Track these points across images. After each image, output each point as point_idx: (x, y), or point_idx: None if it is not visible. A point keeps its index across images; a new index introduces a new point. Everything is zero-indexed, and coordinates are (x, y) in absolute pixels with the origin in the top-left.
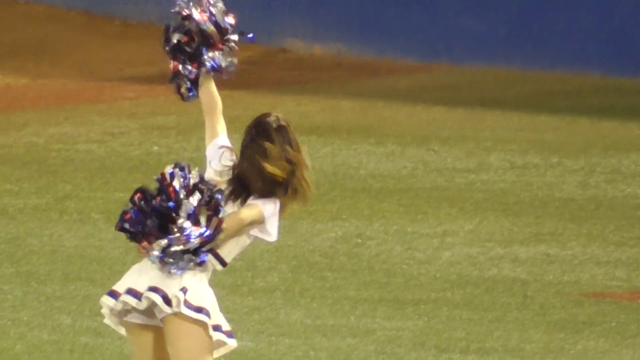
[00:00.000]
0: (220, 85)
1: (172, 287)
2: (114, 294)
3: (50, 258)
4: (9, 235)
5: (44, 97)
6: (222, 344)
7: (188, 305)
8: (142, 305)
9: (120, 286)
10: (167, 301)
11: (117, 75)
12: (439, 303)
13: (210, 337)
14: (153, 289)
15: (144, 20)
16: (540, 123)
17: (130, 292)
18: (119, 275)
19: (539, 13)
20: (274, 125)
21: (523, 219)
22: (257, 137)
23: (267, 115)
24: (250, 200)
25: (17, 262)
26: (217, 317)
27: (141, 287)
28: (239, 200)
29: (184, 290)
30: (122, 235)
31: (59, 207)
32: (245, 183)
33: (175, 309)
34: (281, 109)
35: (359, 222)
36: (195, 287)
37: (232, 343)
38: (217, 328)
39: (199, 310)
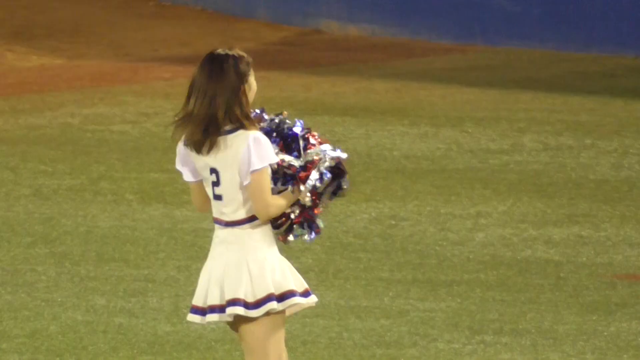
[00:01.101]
0: (255, 66)
1: (239, 290)
2: (197, 310)
3: (85, 239)
4: (43, 215)
5: (79, 78)
6: (298, 306)
7: (251, 306)
8: (228, 318)
9: (199, 300)
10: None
11: (152, 56)
12: (472, 284)
13: (278, 313)
14: (232, 302)
15: (178, 1)
16: (575, 104)
17: (213, 310)
18: (152, 255)
19: None
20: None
21: (556, 200)
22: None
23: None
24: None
25: (52, 243)
26: (286, 283)
27: (218, 300)
28: None
29: (246, 289)
30: (157, 215)
31: (93, 187)
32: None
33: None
34: (316, 90)
35: (392, 203)
36: (257, 274)
37: (310, 302)
38: (288, 295)
39: (262, 302)
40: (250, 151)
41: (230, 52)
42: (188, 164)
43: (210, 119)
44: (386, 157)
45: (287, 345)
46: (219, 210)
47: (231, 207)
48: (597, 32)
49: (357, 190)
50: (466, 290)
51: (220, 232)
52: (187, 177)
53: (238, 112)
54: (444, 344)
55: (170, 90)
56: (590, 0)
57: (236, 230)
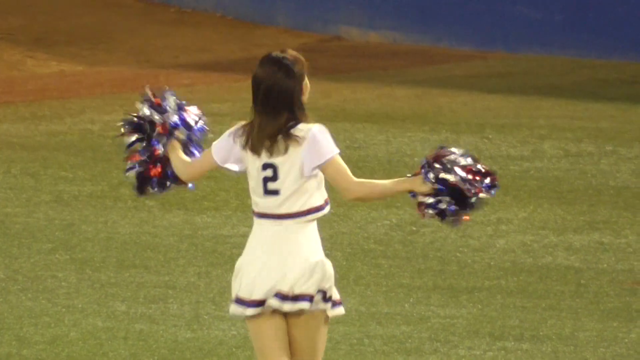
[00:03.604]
0: None
1: (310, 283)
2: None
3: (105, 245)
4: (63, 222)
5: (99, 84)
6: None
7: (334, 303)
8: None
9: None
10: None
11: (173, 62)
12: (493, 291)
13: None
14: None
15: (199, 8)
16: (595, 111)
17: (278, 295)
18: (173, 262)
19: (595, 1)
20: None
21: (577, 207)
22: None
23: None
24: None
25: (72, 249)
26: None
27: (286, 287)
28: None
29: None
30: (177, 221)
31: (113, 194)
32: None
33: (323, 307)
34: (336, 96)
35: (413, 210)
36: (325, 269)
37: (341, 312)
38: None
39: (340, 303)
40: (317, 142)
41: (288, 55)
42: (228, 152)
43: (277, 124)
44: (407, 163)
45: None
46: (272, 204)
47: (290, 200)
48: (618, 39)
49: None
50: (487, 297)
51: (270, 227)
52: (217, 157)
53: (299, 111)
54: (465, 351)
55: (190, 96)
56: (612, 7)
57: (290, 223)
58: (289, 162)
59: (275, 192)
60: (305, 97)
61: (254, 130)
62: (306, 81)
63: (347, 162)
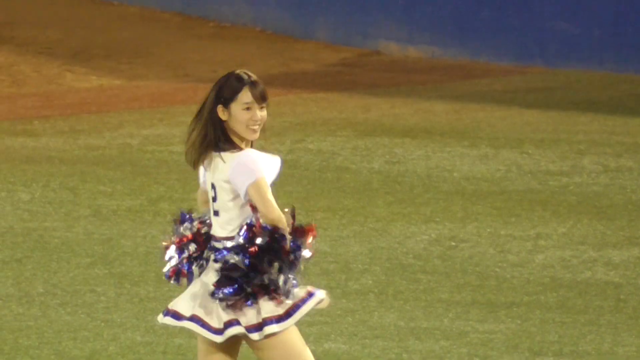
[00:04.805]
0: (315, 87)
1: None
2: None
3: (144, 259)
4: (102, 236)
5: (138, 99)
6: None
7: (272, 321)
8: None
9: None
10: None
11: (211, 77)
12: (532, 306)
13: (293, 326)
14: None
15: (238, 22)
16: (634, 126)
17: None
18: None
19: (633, 15)
20: None
21: (616, 222)
22: None
23: None
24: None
25: (111, 264)
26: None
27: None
28: None
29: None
30: None
31: (152, 208)
32: None
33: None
34: (375, 111)
35: (452, 225)
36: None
37: (318, 298)
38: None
39: (284, 317)
40: (240, 169)
41: (227, 74)
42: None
43: (206, 138)
44: (446, 178)
45: None
46: (216, 225)
47: (223, 222)
48: None
49: (417, 211)
50: (526, 312)
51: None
52: (201, 179)
53: (214, 134)
54: None
55: None
56: None
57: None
58: (222, 185)
59: (216, 213)
60: (232, 125)
61: None
62: (231, 107)
63: (385, 177)
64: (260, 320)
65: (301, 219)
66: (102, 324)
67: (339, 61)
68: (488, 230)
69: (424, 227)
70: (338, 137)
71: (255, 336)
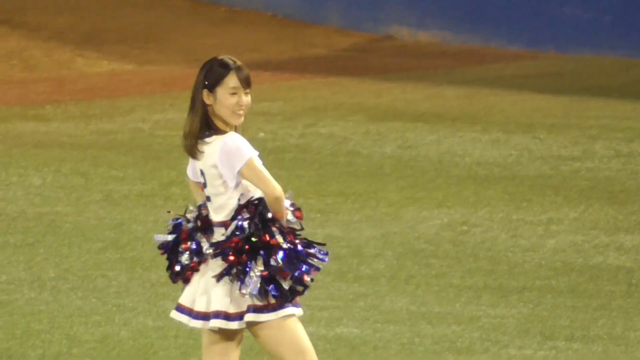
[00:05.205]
0: (326, 72)
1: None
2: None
3: (155, 244)
4: (114, 221)
5: (149, 83)
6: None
7: (268, 309)
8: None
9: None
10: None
11: None
12: (544, 290)
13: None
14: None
15: (249, 7)
16: None
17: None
18: None
19: None
20: None
21: (628, 207)
22: None
23: None
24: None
25: (122, 248)
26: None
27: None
28: None
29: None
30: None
31: (164, 193)
32: None
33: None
34: (387, 95)
35: (464, 210)
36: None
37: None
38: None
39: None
40: (227, 153)
41: (210, 59)
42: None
43: (194, 124)
44: (457, 163)
45: (358, 350)
46: (211, 210)
47: (216, 207)
48: None
49: (429, 196)
50: (537, 297)
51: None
52: (188, 172)
53: (198, 120)
54: (516, 350)
55: None
56: None
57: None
58: (210, 171)
59: (208, 199)
60: (217, 110)
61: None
62: (217, 91)
63: (397, 162)
64: (244, 308)
65: (313, 204)
66: (114, 308)
67: (350, 46)
68: (500, 215)
69: (435, 211)
70: (350, 122)
71: (234, 325)
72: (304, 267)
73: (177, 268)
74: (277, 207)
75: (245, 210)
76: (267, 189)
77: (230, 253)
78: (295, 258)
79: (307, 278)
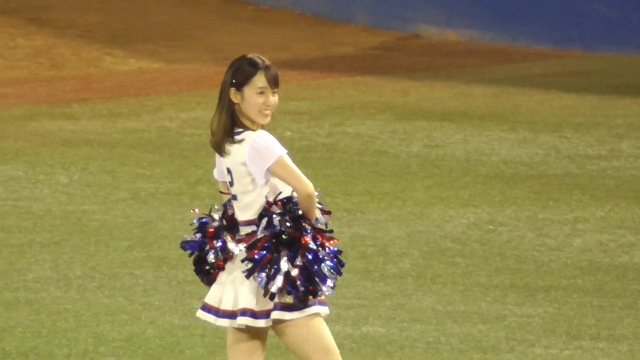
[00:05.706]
0: (353, 71)
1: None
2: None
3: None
4: (141, 219)
5: (176, 82)
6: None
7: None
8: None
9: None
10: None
11: None
12: (570, 290)
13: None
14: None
15: (277, 6)
16: None
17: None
18: None
19: None
20: None
21: None
22: None
23: None
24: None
25: (149, 247)
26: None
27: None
28: None
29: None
30: None
31: (190, 191)
32: None
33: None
34: (414, 94)
35: (490, 209)
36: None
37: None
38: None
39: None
40: (257, 151)
41: (239, 58)
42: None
43: (222, 122)
44: (484, 162)
45: (384, 349)
46: (237, 209)
47: (242, 206)
48: None
49: (456, 195)
50: (563, 296)
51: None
52: (215, 173)
53: (226, 118)
54: (541, 349)
55: None
56: None
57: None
58: (238, 169)
59: (235, 197)
60: (244, 109)
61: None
62: (244, 90)
63: (424, 161)
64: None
65: (340, 203)
66: (140, 307)
67: (378, 45)
68: (526, 214)
69: (462, 210)
70: (377, 121)
71: (261, 323)
72: (327, 278)
73: (206, 267)
74: (308, 204)
75: (275, 207)
76: (299, 186)
77: (259, 249)
78: (319, 261)
79: (325, 286)
